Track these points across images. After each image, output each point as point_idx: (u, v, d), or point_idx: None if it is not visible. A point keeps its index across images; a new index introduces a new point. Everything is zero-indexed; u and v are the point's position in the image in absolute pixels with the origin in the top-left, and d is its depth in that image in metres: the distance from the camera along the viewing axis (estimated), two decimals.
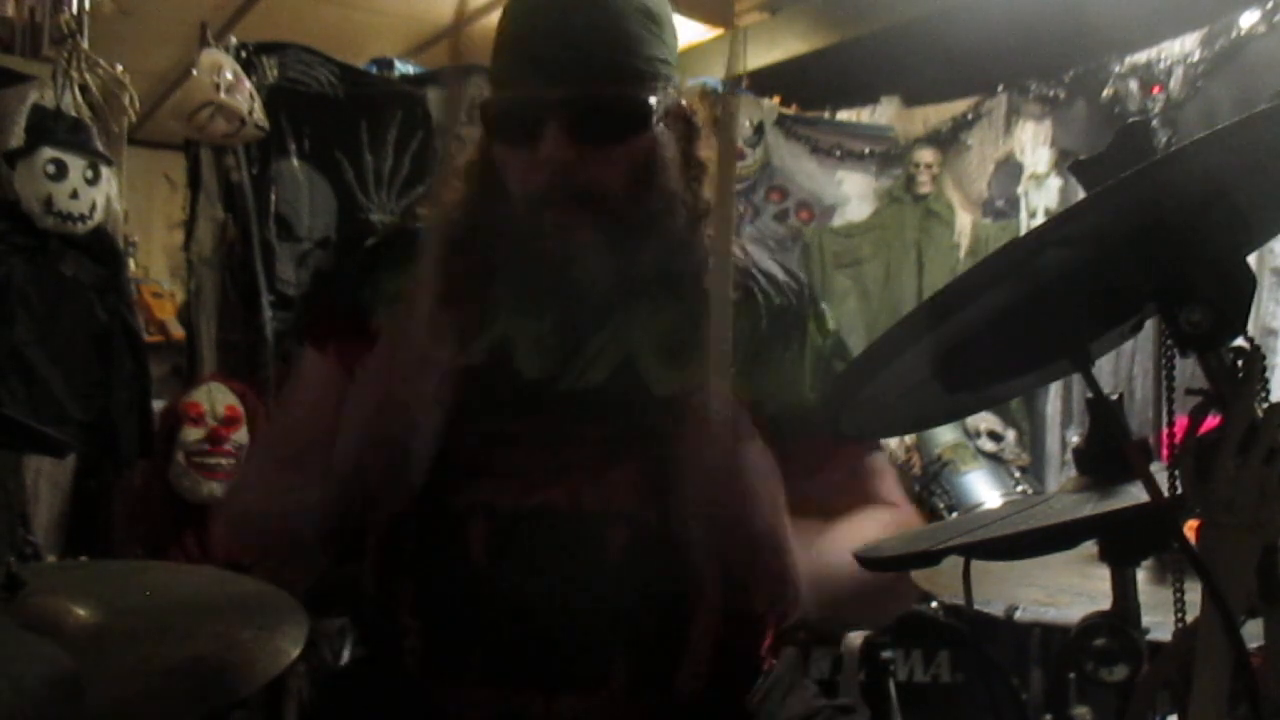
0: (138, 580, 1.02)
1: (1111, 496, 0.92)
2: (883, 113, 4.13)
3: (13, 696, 0.68)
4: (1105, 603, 0.97)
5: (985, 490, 2.94)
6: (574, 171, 1.04)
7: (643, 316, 1.11)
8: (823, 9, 4.51)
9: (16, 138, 2.45)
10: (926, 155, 3.95)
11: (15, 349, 2.43)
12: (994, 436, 3.19)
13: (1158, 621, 0.96)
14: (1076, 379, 2.78)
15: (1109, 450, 0.96)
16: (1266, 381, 0.70)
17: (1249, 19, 3.18)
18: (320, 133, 3.03)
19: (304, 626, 0.92)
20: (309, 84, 3.03)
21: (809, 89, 4.23)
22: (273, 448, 1.26)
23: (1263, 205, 0.73)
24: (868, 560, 0.89)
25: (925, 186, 3.95)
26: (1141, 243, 0.68)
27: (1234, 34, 3.20)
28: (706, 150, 1.14)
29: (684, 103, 1.13)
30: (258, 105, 2.78)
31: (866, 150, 4.05)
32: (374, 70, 3.31)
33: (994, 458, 3.11)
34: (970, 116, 3.90)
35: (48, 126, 2.47)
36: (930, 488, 2.96)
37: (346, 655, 1.89)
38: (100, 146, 2.57)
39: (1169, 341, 0.69)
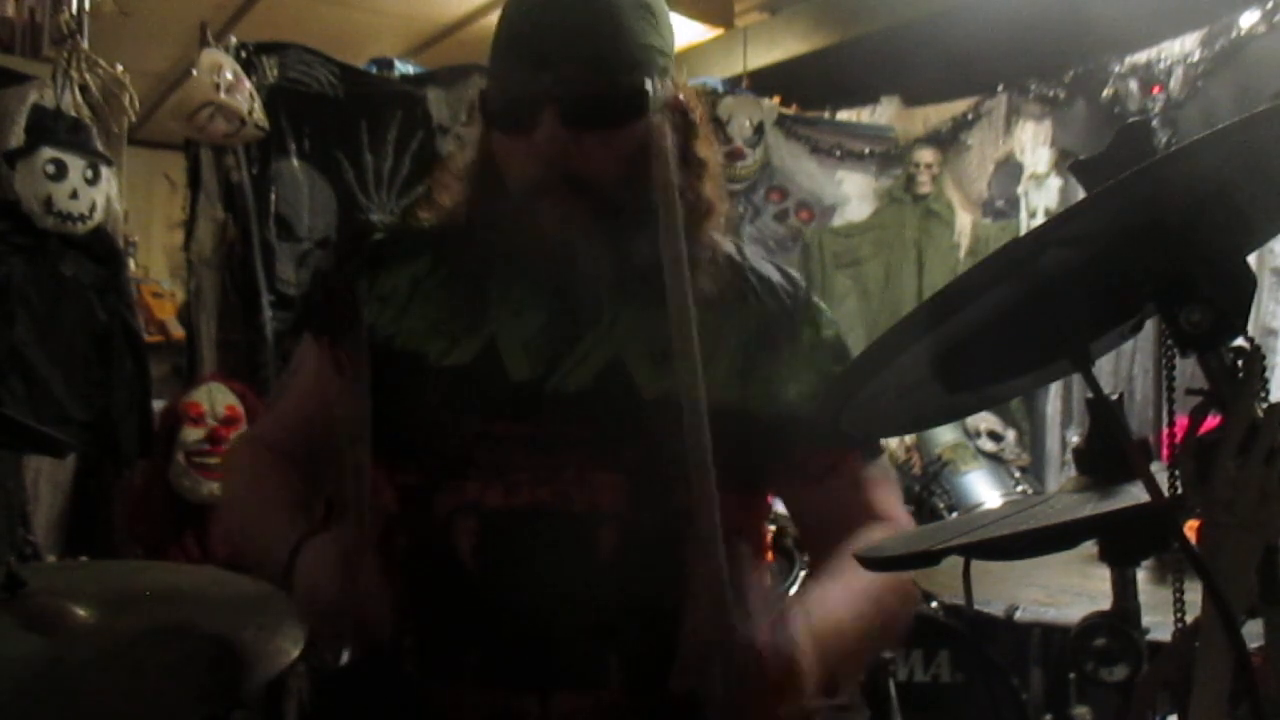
0: (138, 580, 1.02)
1: (1111, 496, 0.92)
2: (883, 113, 4.13)
3: (13, 696, 0.68)
4: (1105, 603, 0.97)
5: (985, 490, 2.94)
6: (569, 157, 1.04)
7: (633, 316, 1.11)
8: (823, 9, 4.51)
9: (16, 138, 2.45)
10: (926, 155, 3.95)
11: (15, 349, 2.43)
12: (994, 436, 3.19)
13: (1158, 621, 0.96)
14: (1076, 379, 2.79)
15: (1109, 450, 0.96)
16: (1266, 381, 0.70)
17: (1249, 19, 3.18)
18: (320, 133, 3.04)
19: (304, 627, 0.92)
20: (309, 84, 3.03)
21: (809, 89, 4.23)
22: (266, 435, 1.27)
23: (1263, 205, 0.73)
24: (868, 561, 0.89)
25: (925, 186, 3.95)
26: (1141, 243, 0.68)
27: (1234, 34, 3.21)
28: (705, 148, 1.14)
29: (682, 97, 1.13)
30: (258, 105, 2.78)
31: (866, 150, 4.05)
32: (374, 70, 3.31)
33: (994, 458, 3.12)
34: (970, 116, 3.91)
35: (48, 126, 2.48)
36: (930, 488, 2.96)
37: (346, 656, 1.89)
38: (100, 146, 2.57)
39: (1169, 341, 0.69)
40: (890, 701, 1.70)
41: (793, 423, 1.11)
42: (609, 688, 1.06)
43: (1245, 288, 0.68)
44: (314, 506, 1.19)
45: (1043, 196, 3.62)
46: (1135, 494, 0.88)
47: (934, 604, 1.97)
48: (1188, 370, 0.70)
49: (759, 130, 3.87)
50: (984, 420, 3.20)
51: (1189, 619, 0.75)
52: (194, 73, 2.70)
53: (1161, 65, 3.35)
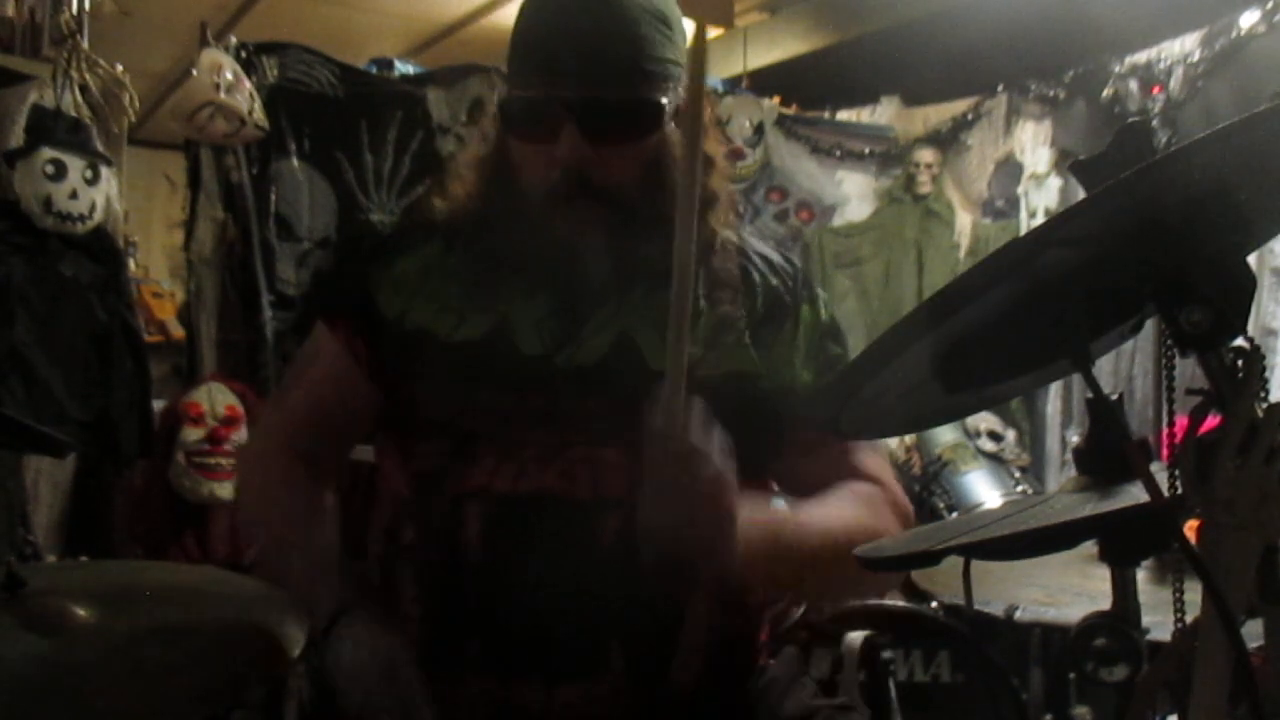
0: (138, 580, 1.02)
1: (1111, 496, 0.92)
2: (883, 113, 4.13)
3: (13, 696, 0.68)
4: (1105, 603, 0.97)
5: (985, 490, 2.94)
6: (589, 170, 1.07)
7: (642, 295, 1.14)
8: (823, 9, 4.51)
9: (16, 138, 2.45)
10: (926, 155, 3.95)
11: (15, 349, 2.43)
12: (994, 436, 3.19)
13: (1158, 621, 0.96)
14: (1076, 379, 2.79)
15: (1109, 450, 0.96)
16: (1266, 381, 0.70)
17: (1249, 19, 3.18)
18: (320, 133, 3.03)
19: (304, 626, 0.92)
20: (309, 84, 3.02)
21: (809, 89, 4.23)
22: (277, 432, 1.28)
23: (1263, 205, 0.73)
24: (868, 561, 0.89)
25: (925, 186, 3.95)
26: (1141, 243, 0.68)
27: (1234, 34, 3.20)
28: (712, 144, 1.17)
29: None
30: (258, 105, 2.78)
31: (866, 150, 4.05)
32: (374, 70, 3.31)
33: (994, 458, 3.11)
34: (970, 116, 3.90)
35: (47, 126, 2.48)
36: (930, 488, 2.96)
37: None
38: (100, 146, 2.57)
39: (1169, 341, 0.69)
40: (890, 701, 1.70)
41: (789, 395, 1.15)
42: (611, 676, 1.07)
43: (1245, 288, 0.68)
44: (325, 505, 1.20)
45: (1043, 196, 3.62)
46: (1135, 494, 0.88)
47: (934, 604, 1.96)
48: (1188, 370, 0.70)
49: (759, 130, 3.87)
50: (984, 420, 3.20)
51: (1189, 619, 0.75)
52: (194, 73, 2.70)
53: (1161, 65, 3.34)
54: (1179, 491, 0.70)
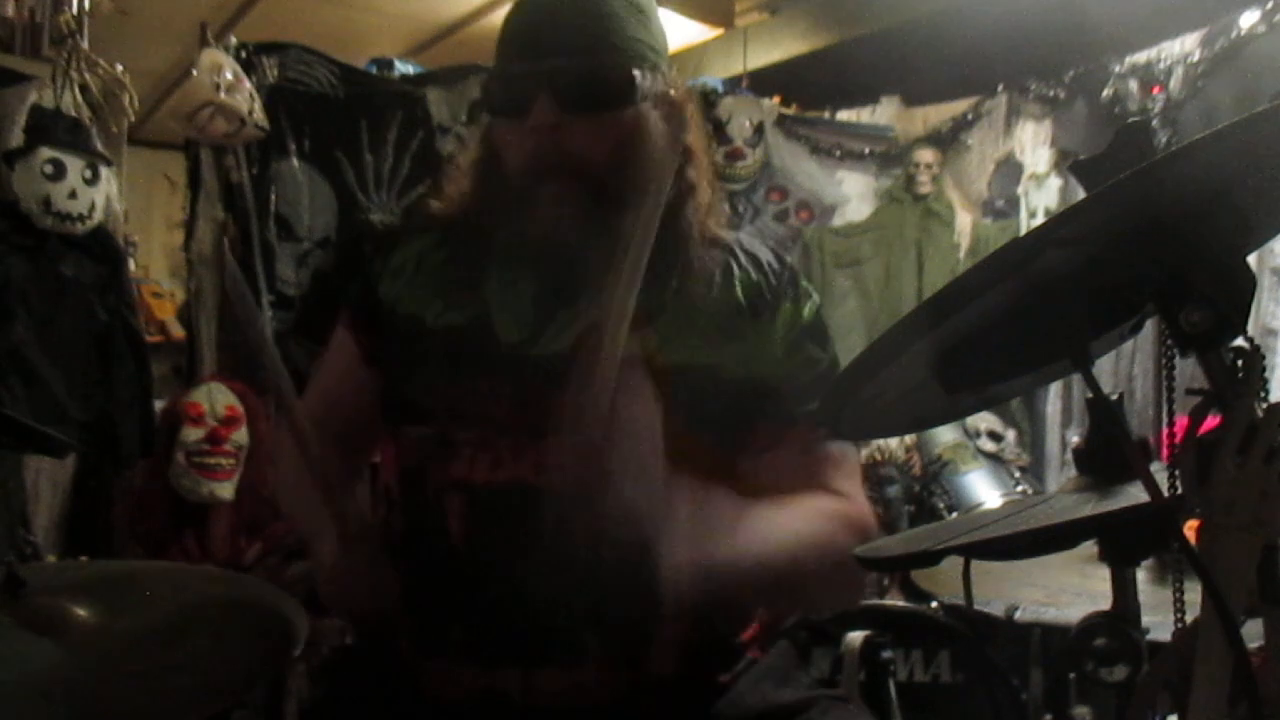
0: (138, 580, 1.02)
1: (1111, 496, 0.92)
2: (883, 113, 4.12)
3: (13, 696, 0.68)
4: (1105, 603, 0.97)
5: (985, 490, 2.93)
6: (561, 139, 1.10)
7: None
8: (823, 9, 4.51)
9: (16, 138, 2.45)
10: (926, 155, 3.95)
11: (15, 349, 2.43)
12: (994, 436, 3.19)
13: (1158, 621, 0.96)
14: (1076, 379, 2.79)
15: (1109, 450, 0.97)
16: (1266, 381, 0.70)
17: (1249, 19, 3.18)
18: (320, 133, 3.03)
19: (304, 626, 0.92)
20: (309, 84, 3.02)
21: (809, 89, 4.23)
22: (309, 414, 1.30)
23: (1263, 205, 0.73)
24: (868, 561, 0.89)
25: (925, 186, 3.95)
26: (1141, 243, 0.68)
27: (1234, 34, 3.20)
28: (694, 140, 1.20)
29: (673, 92, 1.19)
30: (258, 105, 2.78)
31: (866, 150, 4.05)
32: (374, 70, 3.30)
33: (994, 458, 3.11)
34: (970, 116, 3.90)
35: (46, 126, 2.47)
36: (930, 488, 2.96)
37: (349, 637, 1.90)
38: (99, 146, 2.57)
39: (1169, 341, 0.70)
40: (890, 701, 1.70)
41: (756, 389, 1.16)
42: (590, 663, 1.09)
43: (1245, 288, 0.68)
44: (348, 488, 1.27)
45: (1043, 196, 3.62)
46: (1135, 494, 0.88)
47: (934, 604, 1.96)
48: (1188, 370, 0.70)
49: (759, 130, 3.86)
50: (984, 420, 3.20)
51: (1189, 619, 0.75)
52: (194, 73, 2.70)
53: (1161, 65, 3.34)
54: (1179, 491, 0.70)
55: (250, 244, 2.88)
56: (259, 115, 2.78)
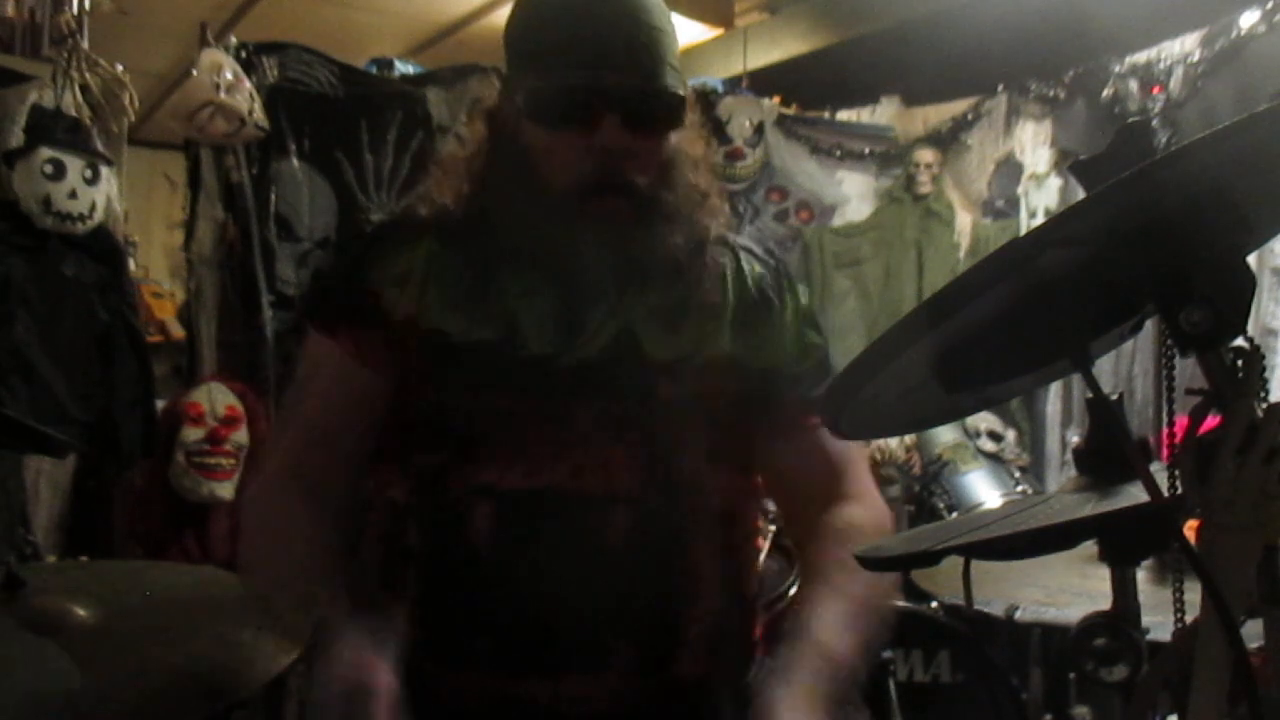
0: (138, 580, 1.02)
1: (1111, 496, 0.92)
2: (883, 113, 4.12)
3: (13, 697, 0.68)
4: (1105, 603, 0.97)
5: (985, 490, 2.93)
6: (624, 159, 1.09)
7: (640, 288, 1.16)
8: (823, 9, 4.51)
9: (16, 138, 2.45)
10: (926, 155, 3.95)
11: (16, 349, 2.43)
12: (994, 436, 3.19)
13: (1158, 621, 0.96)
14: (1076, 379, 2.78)
15: (1109, 450, 0.96)
16: (1266, 381, 0.70)
17: (1249, 19, 3.18)
18: (320, 133, 3.03)
19: (304, 627, 0.92)
20: (309, 84, 3.02)
21: (809, 89, 4.23)
22: (287, 455, 1.21)
23: (1263, 205, 0.73)
24: (868, 561, 0.89)
25: (925, 186, 3.95)
26: (1141, 243, 0.68)
27: (1234, 34, 3.20)
28: (699, 143, 1.21)
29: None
30: (258, 105, 2.78)
31: (866, 150, 4.05)
32: (374, 70, 3.30)
33: (994, 458, 3.11)
34: (970, 116, 3.90)
35: (46, 126, 2.47)
36: (930, 488, 2.96)
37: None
38: (99, 146, 2.57)
39: (1169, 341, 0.69)
40: (890, 701, 1.70)
41: (771, 380, 1.19)
42: (616, 670, 1.08)
43: (1245, 288, 0.68)
44: (326, 547, 1.15)
45: (1043, 196, 3.62)
46: (1135, 494, 0.88)
47: (934, 604, 1.96)
48: (1188, 370, 0.70)
49: (759, 130, 3.86)
50: (984, 420, 3.20)
51: (1189, 619, 0.75)
52: (194, 73, 2.70)
53: (1161, 65, 3.34)
54: (1179, 491, 0.70)
55: (250, 244, 2.88)
56: (259, 115, 2.78)
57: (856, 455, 1.26)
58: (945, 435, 3.05)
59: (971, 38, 3.62)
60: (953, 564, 0.92)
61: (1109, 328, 0.78)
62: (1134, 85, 3.38)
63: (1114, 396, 0.89)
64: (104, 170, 2.55)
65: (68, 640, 0.81)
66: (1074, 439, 1.06)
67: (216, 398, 2.51)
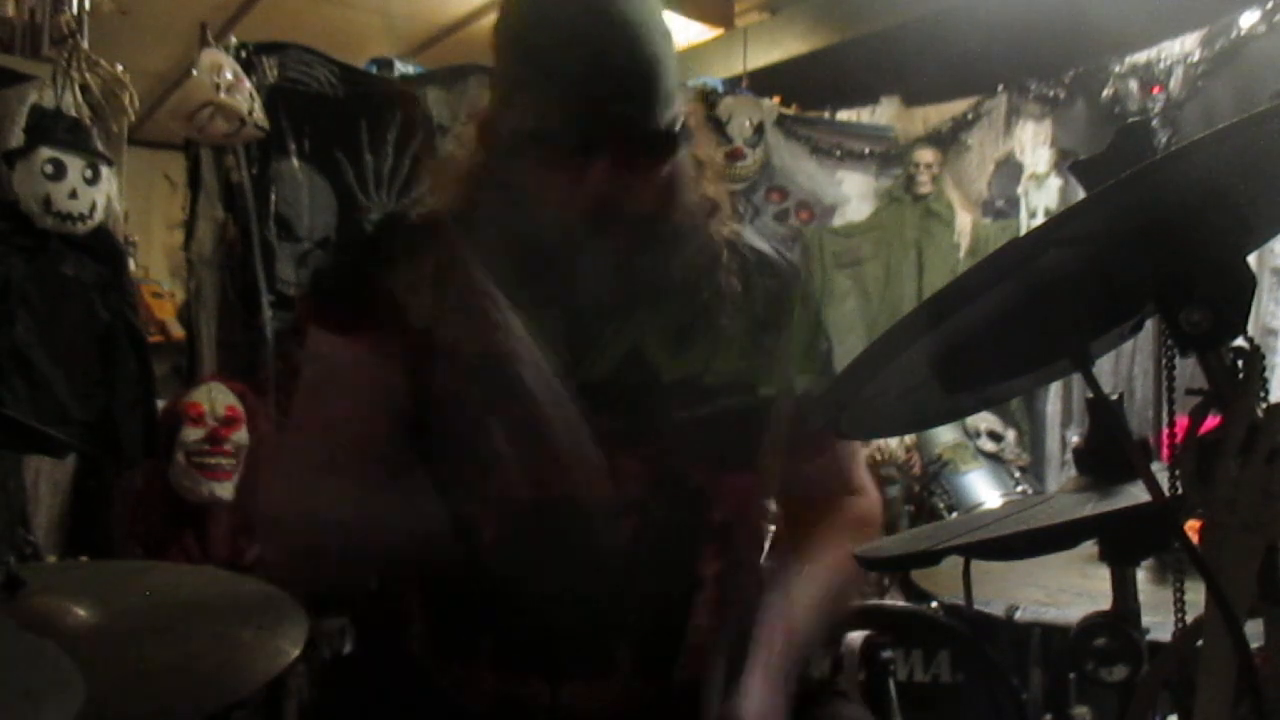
0: (138, 580, 1.02)
1: (1111, 496, 0.92)
2: (883, 113, 4.12)
3: (13, 697, 0.68)
4: (1105, 603, 0.97)
5: (985, 490, 2.93)
6: (615, 193, 1.05)
7: (650, 306, 1.15)
8: (823, 9, 4.51)
9: (16, 138, 2.45)
10: (926, 155, 3.94)
11: (17, 349, 2.42)
12: (994, 436, 3.19)
13: (1158, 621, 0.96)
14: (1077, 379, 2.78)
15: (1109, 450, 0.96)
16: (1266, 381, 0.70)
17: (1249, 19, 3.18)
18: (320, 133, 3.03)
19: (304, 626, 0.92)
20: (309, 84, 3.02)
21: (809, 89, 4.23)
22: (309, 449, 1.17)
23: (1263, 205, 0.73)
24: (868, 561, 0.89)
25: (925, 186, 3.95)
26: (1141, 243, 0.68)
27: (1234, 34, 3.20)
28: (708, 149, 1.18)
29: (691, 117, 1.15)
30: (258, 105, 2.78)
31: (866, 150, 4.05)
32: (374, 70, 3.30)
33: (994, 458, 3.11)
34: (970, 116, 3.90)
35: (46, 126, 2.47)
36: (930, 488, 2.96)
37: (348, 645, 1.89)
38: (99, 146, 2.57)
39: (1169, 341, 0.69)
40: (890, 701, 1.69)
41: (786, 395, 1.17)
42: (617, 675, 1.09)
43: (1245, 288, 0.68)
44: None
45: (1043, 196, 3.62)
46: (1135, 494, 0.88)
47: (934, 604, 1.96)
48: (1188, 370, 0.70)
49: (759, 130, 3.86)
50: (984, 420, 3.20)
51: (1189, 619, 0.75)
52: (194, 73, 2.70)
53: (1161, 65, 3.34)
54: (1179, 491, 0.70)
55: (250, 244, 2.88)
56: (259, 115, 2.78)
57: (856, 449, 1.28)
58: (945, 435, 3.05)
59: (971, 38, 3.62)
60: (953, 564, 0.93)
61: (1109, 328, 0.78)
62: (1134, 85, 3.38)
63: (1114, 396, 0.89)
64: (104, 170, 2.55)
65: (68, 640, 0.81)
66: (1074, 439, 1.06)
67: (216, 398, 2.50)
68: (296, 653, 0.87)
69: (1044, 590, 1.46)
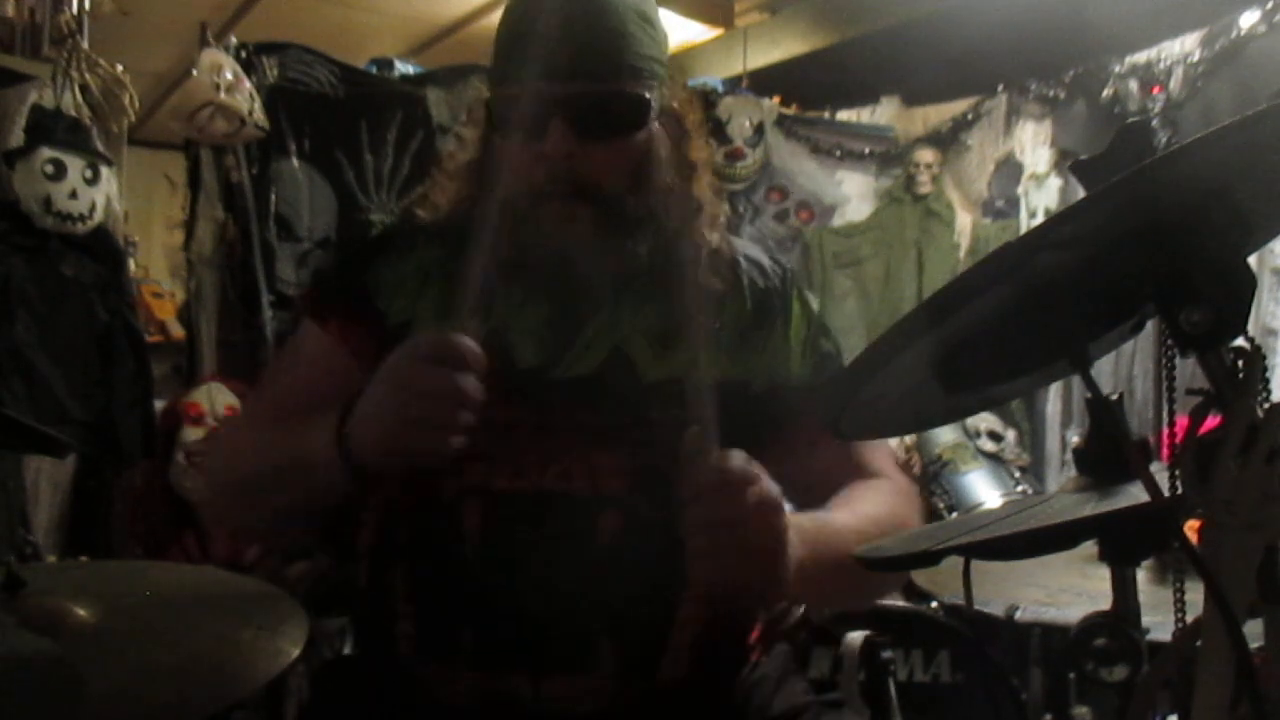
0: (138, 580, 1.02)
1: (1111, 496, 0.92)
2: (883, 113, 4.12)
3: (13, 697, 0.68)
4: (1105, 603, 0.97)
5: (985, 490, 2.93)
6: (575, 165, 1.08)
7: (634, 307, 1.15)
8: (823, 9, 4.51)
9: (16, 138, 2.45)
10: (926, 155, 3.94)
11: (16, 349, 2.43)
12: (994, 436, 3.19)
13: (1158, 621, 0.96)
14: (1077, 379, 2.78)
15: (1109, 450, 0.96)
16: (1267, 381, 0.70)
17: (1249, 19, 3.18)
18: (320, 133, 3.03)
19: (304, 626, 0.93)
20: (309, 84, 3.02)
21: (809, 89, 4.23)
22: (262, 412, 1.23)
23: (1263, 205, 0.73)
24: (869, 561, 0.89)
25: (925, 186, 3.94)
26: (1141, 243, 0.68)
27: (1234, 34, 3.20)
28: (697, 151, 1.19)
29: (676, 105, 1.17)
30: (258, 105, 2.78)
31: (866, 150, 4.05)
32: (374, 70, 3.30)
33: (994, 458, 3.11)
34: (970, 116, 3.90)
35: (46, 126, 2.48)
36: (930, 488, 2.96)
37: (347, 646, 1.89)
38: (100, 146, 2.57)
39: (1169, 341, 0.69)
40: (890, 701, 1.70)
41: (786, 395, 1.18)
42: (601, 671, 1.08)
43: (1245, 288, 0.68)
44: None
45: (1043, 196, 3.62)
46: (1135, 494, 0.88)
47: (934, 604, 1.96)
48: (1188, 370, 0.70)
49: (759, 130, 3.86)
50: (984, 420, 3.20)
51: (1189, 619, 0.75)
52: (194, 73, 2.70)
53: (1161, 65, 3.34)
54: (1179, 491, 0.70)
55: (250, 244, 2.88)
56: (259, 115, 2.78)
57: (887, 457, 1.26)
58: (945, 435, 3.04)
59: (971, 38, 3.62)
60: (953, 564, 0.92)
61: (1109, 328, 0.78)
62: (1134, 85, 3.38)
63: (1114, 396, 0.89)
64: (104, 170, 2.56)
65: (68, 640, 0.81)
66: (1074, 439, 1.06)
67: (216, 398, 2.51)
68: (296, 653, 0.87)
69: (1044, 590, 1.47)
